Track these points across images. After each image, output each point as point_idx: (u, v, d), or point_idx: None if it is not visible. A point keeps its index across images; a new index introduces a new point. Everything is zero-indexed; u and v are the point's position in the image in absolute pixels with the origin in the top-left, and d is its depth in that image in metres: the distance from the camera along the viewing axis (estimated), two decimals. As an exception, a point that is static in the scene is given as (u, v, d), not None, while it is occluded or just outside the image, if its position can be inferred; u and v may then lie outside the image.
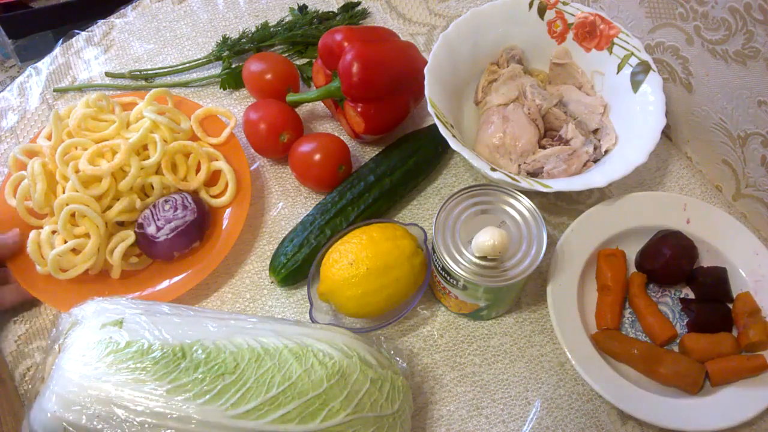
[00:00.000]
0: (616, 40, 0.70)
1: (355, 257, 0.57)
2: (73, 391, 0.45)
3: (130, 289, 0.64)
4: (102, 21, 0.89)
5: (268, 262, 0.66)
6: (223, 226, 0.67)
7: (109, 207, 0.64)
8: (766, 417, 0.57)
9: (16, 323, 0.65)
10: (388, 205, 0.68)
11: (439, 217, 0.57)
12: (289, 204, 0.72)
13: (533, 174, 0.68)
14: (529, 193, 0.60)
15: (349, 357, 0.50)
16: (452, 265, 0.55)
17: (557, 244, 0.63)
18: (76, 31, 0.88)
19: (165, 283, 0.64)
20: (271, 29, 0.83)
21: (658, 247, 0.62)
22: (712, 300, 0.62)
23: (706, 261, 0.64)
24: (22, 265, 0.64)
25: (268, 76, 0.73)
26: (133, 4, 0.90)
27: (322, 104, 0.78)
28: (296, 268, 0.64)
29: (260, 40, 0.82)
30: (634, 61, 0.69)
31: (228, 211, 0.68)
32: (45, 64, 0.85)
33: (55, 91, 0.82)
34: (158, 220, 0.64)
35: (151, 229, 0.63)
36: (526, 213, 0.58)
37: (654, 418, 0.55)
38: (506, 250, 0.55)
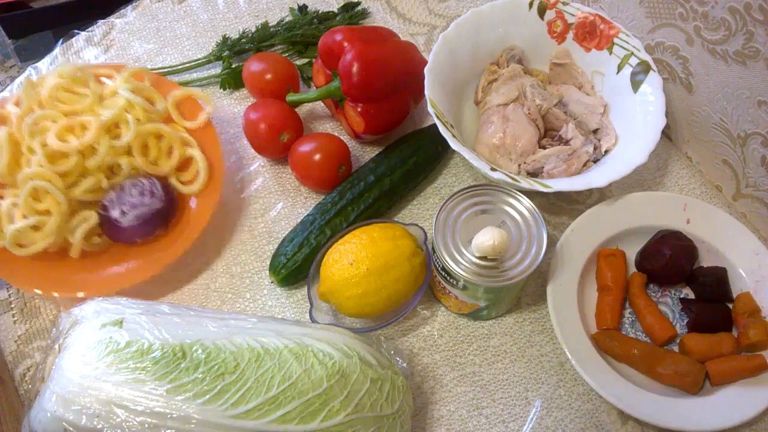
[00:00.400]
0: (616, 40, 0.70)
1: (355, 257, 0.57)
2: (73, 390, 0.45)
3: (87, 269, 0.64)
4: (102, 21, 0.89)
5: (268, 262, 0.66)
6: (191, 216, 0.66)
7: (75, 184, 0.62)
8: (766, 417, 0.57)
9: (16, 323, 0.65)
10: (388, 205, 0.68)
11: (439, 217, 0.57)
12: (289, 204, 0.72)
13: (533, 174, 0.68)
14: (529, 193, 0.60)
15: (349, 357, 0.50)
16: (452, 265, 0.55)
17: (557, 244, 0.63)
18: (76, 31, 0.88)
19: (123, 267, 0.64)
20: (271, 29, 0.83)
21: (658, 247, 0.62)
22: (712, 300, 0.62)
23: (706, 261, 0.64)
24: None
25: (268, 76, 0.73)
26: (133, 4, 0.90)
27: (322, 104, 0.78)
28: (296, 268, 0.64)
29: (260, 40, 0.82)
30: (634, 61, 0.69)
31: (195, 200, 0.67)
32: (45, 64, 0.85)
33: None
34: (123, 204, 0.62)
35: (115, 213, 0.62)
36: (526, 213, 0.58)
37: (654, 418, 0.55)
38: (506, 250, 0.55)
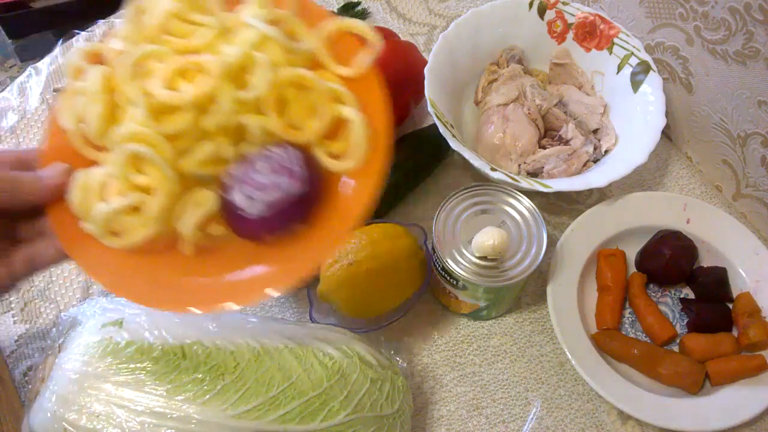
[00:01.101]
0: (616, 40, 0.70)
1: (355, 257, 0.57)
2: (73, 390, 0.45)
3: (204, 270, 0.46)
4: (102, 21, 0.89)
5: (268, 262, 0.66)
6: (341, 202, 0.46)
7: (187, 151, 0.44)
8: (766, 417, 0.57)
9: (16, 323, 0.65)
10: (388, 205, 0.68)
11: (439, 217, 0.57)
12: (289, 204, 0.72)
13: (533, 174, 0.68)
14: (529, 193, 0.60)
15: (349, 357, 0.50)
16: (452, 265, 0.55)
17: (557, 244, 0.63)
18: (76, 30, 0.88)
19: (251, 271, 0.45)
20: (271, 29, 0.83)
21: (658, 247, 0.62)
22: (712, 300, 0.62)
23: (706, 261, 0.64)
24: (65, 215, 0.46)
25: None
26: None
27: (322, 104, 0.77)
28: (296, 268, 0.63)
29: (260, 40, 0.82)
30: (634, 61, 0.69)
31: (348, 181, 0.46)
32: (45, 64, 0.85)
33: (55, 91, 0.82)
34: (249, 185, 0.44)
35: (237, 197, 0.44)
36: (526, 213, 0.58)
37: (654, 418, 0.55)
38: (506, 250, 0.55)
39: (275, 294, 0.44)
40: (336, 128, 0.46)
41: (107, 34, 0.48)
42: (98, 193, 0.44)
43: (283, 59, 0.45)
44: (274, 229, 0.44)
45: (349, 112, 0.46)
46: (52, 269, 0.67)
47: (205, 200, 0.45)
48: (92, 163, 0.46)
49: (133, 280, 0.45)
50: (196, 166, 0.44)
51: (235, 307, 0.44)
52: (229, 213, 0.44)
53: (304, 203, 0.45)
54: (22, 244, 0.47)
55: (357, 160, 0.46)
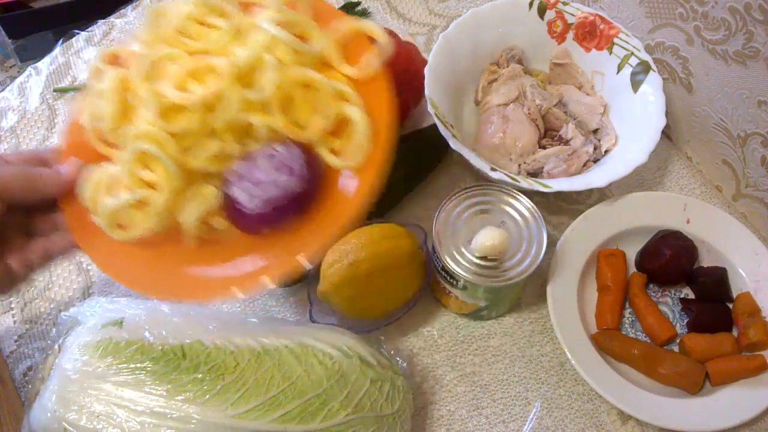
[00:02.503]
0: (616, 40, 0.70)
1: (355, 257, 0.57)
2: (73, 390, 0.45)
3: (207, 260, 0.48)
4: (102, 21, 0.89)
5: (268, 262, 0.66)
6: (340, 199, 0.49)
7: (194, 148, 0.47)
8: (766, 417, 0.57)
9: (16, 323, 0.65)
10: (388, 205, 0.68)
11: (439, 217, 0.57)
12: (289, 204, 0.72)
13: (533, 174, 0.68)
14: (529, 193, 0.60)
15: (349, 357, 0.50)
16: (452, 265, 0.55)
17: (557, 244, 0.63)
18: (76, 31, 0.88)
19: (250, 262, 0.48)
20: (271, 29, 0.83)
21: (658, 247, 0.62)
22: (712, 300, 0.62)
23: (706, 261, 0.64)
24: (77, 209, 0.49)
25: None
26: (134, 4, 0.90)
27: (322, 104, 0.78)
28: (296, 268, 0.63)
29: (260, 40, 0.82)
30: (634, 61, 0.69)
31: (347, 178, 0.49)
32: (45, 64, 0.85)
33: (55, 91, 0.82)
34: (251, 181, 0.46)
35: (238, 193, 0.47)
36: (526, 213, 0.58)
37: (654, 418, 0.55)
38: (506, 250, 0.55)
39: (271, 284, 0.46)
40: (340, 126, 0.48)
41: (126, 37, 0.52)
42: (107, 188, 0.47)
43: (292, 60, 0.47)
44: (272, 223, 0.47)
45: (353, 111, 0.48)
46: (52, 269, 0.67)
47: (208, 195, 0.47)
48: (105, 159, 0.48)
49: (137, 271, 0.47)
50: (203, 162, 0.47)
51: (234, 296, 0.46)
52: (229, 207, 0.47)
53: (303, 199, 0.47)
54: (38, 237, 0.50)
55: (358, 159, 0.48)
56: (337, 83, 0.48)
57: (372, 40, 0.50)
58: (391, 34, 0.72)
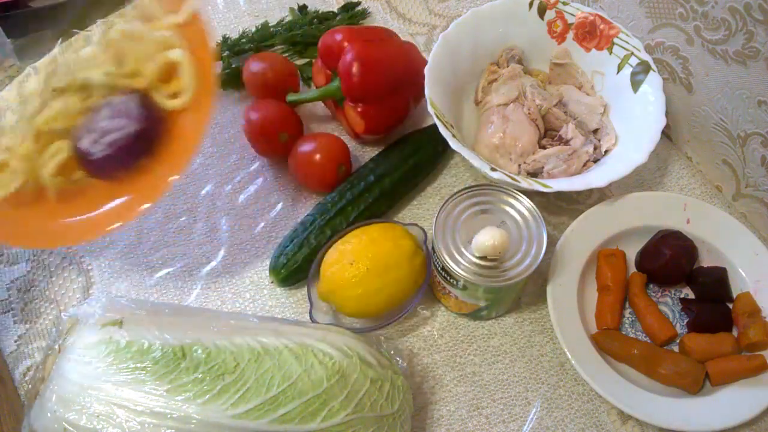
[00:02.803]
0: (616, 40, 0.70)
1: (355, 257, 0.57)
2: (74, 391, 0.45)
3: (70, 211, 0.55)
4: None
5: (268, 262, 0.66)
6: (181, 132, 0.56)
7: (39, 112, 0.54)
8: (766, 417, 0.57)
9: (16, 323, 0.65)
10: (388, 205, 0.68)
11: (439, 217, 0.57)
12: (289, 204, 0.72)
13: (533, 174, 0.68)
14: (529, 193, 0.60)
15: (349, 357, 0.50)
16: (452, 265, 0.55)
17: (557, 244, 0.63)
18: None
19: (112, 205, 0.54)
20: (271, 29, 0.83)
21: (658, 247, 0.62)
22: (712, 300, 0.62)
23: (706, 261, 0.64)
24: None
25: (268, 76, 0.73)
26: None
27: (322, 104, 0.78)
28: (296, 268, 0.63)
29: (260, 40, 0.82)
30: (634, 61, 0.69)
31: (187, 116, 0.56)
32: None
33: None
34: (94, 131, 0.53)
35: (84, 143, 0.53)
36: (526, 213, 0.58)
37: (654, 418, 0.55)
38: (506, 250, 0.55)
39: (134, 216, 0.52)
40: (171, 73, 0.55)
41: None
42: None
43: (115, 17, 0.54)
44: (121, 165, 0.53)
45: (177, 54, 0.55)
46: (52, 269, 0.67)
47: (60, 149, 0.53)
48: None
49: (12, 228, 0.51)
50: (47, 122, 0.52)
51: (99, 233, 0.52)
52: (81, 159, 0.53)
53: (144, 139, 0.53)
54: None
55: (188, 97, 0.54)
56: (160, 32, 0.55)
57: None
58: (391, 34, 0.72)
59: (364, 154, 0.75)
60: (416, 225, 0.62)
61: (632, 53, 0.69)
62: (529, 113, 0.69)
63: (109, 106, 0.53)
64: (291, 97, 0.72)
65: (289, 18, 0.86)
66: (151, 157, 0.54)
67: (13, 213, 0.54)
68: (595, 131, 0.70)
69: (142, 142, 0.53)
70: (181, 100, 0.55)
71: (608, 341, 0.59)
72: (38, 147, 0.53)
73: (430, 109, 0.64)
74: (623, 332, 0.62)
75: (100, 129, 0.52)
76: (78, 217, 0.54)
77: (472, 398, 0.60)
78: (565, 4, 0.72)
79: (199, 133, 0.54)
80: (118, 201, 0.53)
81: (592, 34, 0.72)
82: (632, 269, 0.65)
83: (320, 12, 0.85)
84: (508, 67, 0.73)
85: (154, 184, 0.53)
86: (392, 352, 0.56)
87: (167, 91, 0.55)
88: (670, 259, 0.61)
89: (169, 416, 0.44)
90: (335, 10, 0.87)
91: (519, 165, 0.67)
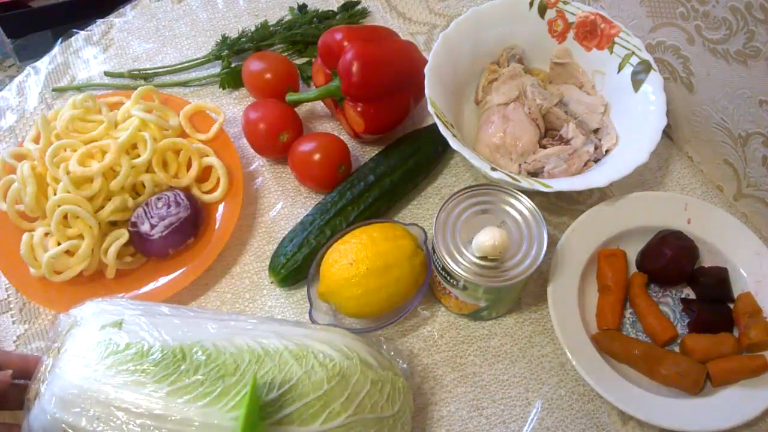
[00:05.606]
0: (616, 39, 0.70)
1: (355, 257, 0.57)
2: (73, 392, 0.45)
3: (125, 287, 0.64)
4: (101, 20, 0.89)
5: (268, 263, 0.66)
6: (217, 222, 0.68)
7: (102, 207, 0.64)
8: (767, 417, 0.57)
9: (16, 323, 0.65)
10: (388, 205, 0.68)
11: (439, 217, 0.57)
12: (289, 204, 0.72)
13: (534, 174, 0.68)
14: (530, 193, 0.60)
15: (350, 358, 0.50)
16: (452, 265, 0.55)
17: (558, 244, 0.62)
18: (75, 30, 0.88)
19: (161, 281, 0.64)
20: (271, 28, 0.83)
21: (658, 247, 0.62)
22: (713, 300, 0.62)
23: (707, 261, 0.64)
24: (15, 268, 0.64)
25: (268, 76, 0.73)
26: (133, 3, 0.90)
27: (322, 104, 0.78)
28: (296, 268, 0.63)
29: (260, 39, 0.82)
30: (634, 60, 0.68)
31: (221, 206, 0.69)
32: (44, 64, 0.85)
33: (53, 90, 0.82)
34: (152, 218, 0.64)
35: (145, 227, 0.63)
36: (527, 213, 0.57)
37: (654, 419, 0.54)
38: (506, 250, 0.55)
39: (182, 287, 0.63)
40: (205, 173, 0.70)
41: (24, 140, 0.69)
42: (42, 246, 0.63)
43: (160, 134, 0.69)
44: (174, 244, 0.64)
45: (211, 160, 0.70)
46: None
47: (120, 235, 0.64)
48: (22, 231, 0.64)
49: (74, 303, 0.55)
50: (110, 215, 0.64)
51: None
52: (139, 241, 0.64)
53: (192, 222, 0.65)
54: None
55: (222, 192, 0.69)
56: (197, 144, 0.70)
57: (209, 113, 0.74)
58: (391, 33, 0.72)
59: (364, 153, 0.75)
60: (416, 225, 0.61)
61: (633, 53, 0.69)
62: (529, 113, 0.69)
63: (161, 199, 0.65)
64: (290, 96, 0.72)
65: (288, 17, 0.86)
66: (195, 238, 0.66)
67: (79, 290, 0.64)
68: (596, 131, 0.70)
69: (190, 225, 0.65)
70: (217, 195, 0.69)
71: (609, 341, 0.59)
72: (101, 235, 0.64)
73: (430, 108, 0.63)
74: (624, 332, 0.62)
75: (156, 215, 0.64)
76: (133, 291, 0.64)
77: (473, 399, 0.60)
78: (565, 3, 0.72)
79: (233, 218, 0.67)
80: (172, 275, 0.64)
81: (592, 34, 0.71)
82: (633, 269, 0.65)
83: (320, 11, 0.85)
84: (508, 66, 0.72)
85: (198, 259, 0.65)
86: (392, 352, 0.56)
87: (204, 188, 0.70)
88: (670, 259, 0.61)
89: (169, 419, 0.44)
90: (335, 9, 0.86)
91: (519, 165, 0.67)
